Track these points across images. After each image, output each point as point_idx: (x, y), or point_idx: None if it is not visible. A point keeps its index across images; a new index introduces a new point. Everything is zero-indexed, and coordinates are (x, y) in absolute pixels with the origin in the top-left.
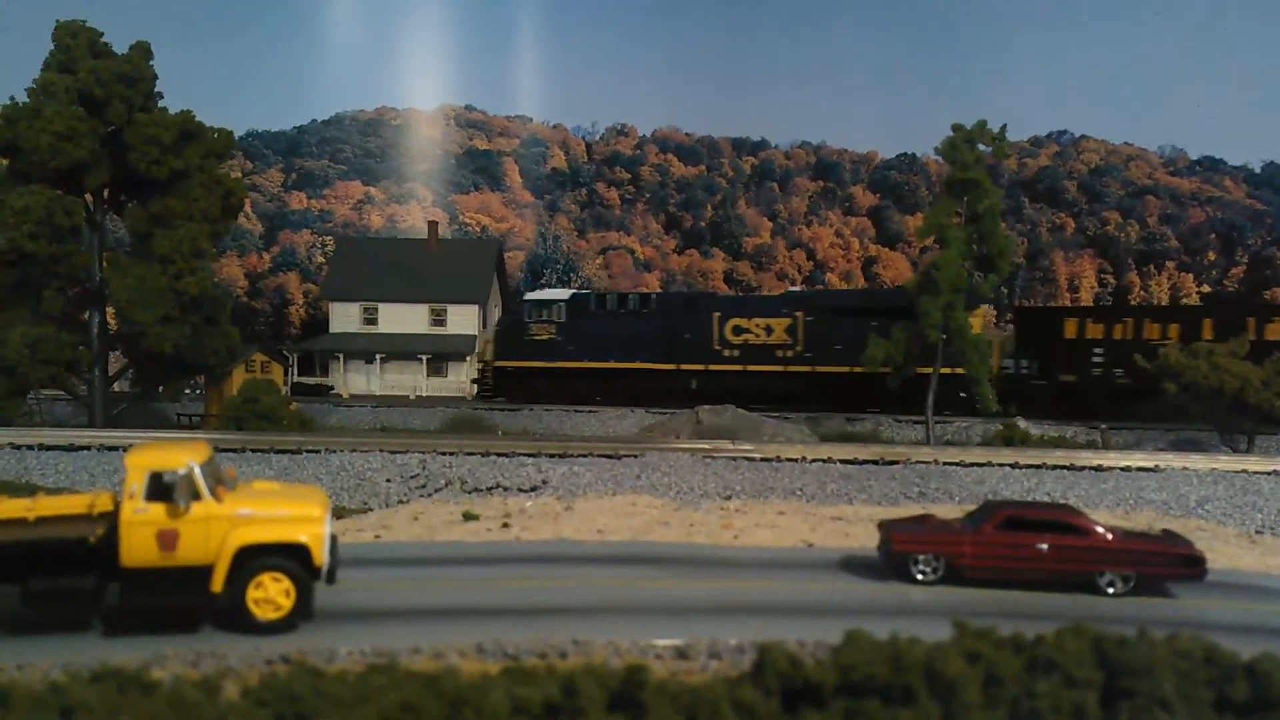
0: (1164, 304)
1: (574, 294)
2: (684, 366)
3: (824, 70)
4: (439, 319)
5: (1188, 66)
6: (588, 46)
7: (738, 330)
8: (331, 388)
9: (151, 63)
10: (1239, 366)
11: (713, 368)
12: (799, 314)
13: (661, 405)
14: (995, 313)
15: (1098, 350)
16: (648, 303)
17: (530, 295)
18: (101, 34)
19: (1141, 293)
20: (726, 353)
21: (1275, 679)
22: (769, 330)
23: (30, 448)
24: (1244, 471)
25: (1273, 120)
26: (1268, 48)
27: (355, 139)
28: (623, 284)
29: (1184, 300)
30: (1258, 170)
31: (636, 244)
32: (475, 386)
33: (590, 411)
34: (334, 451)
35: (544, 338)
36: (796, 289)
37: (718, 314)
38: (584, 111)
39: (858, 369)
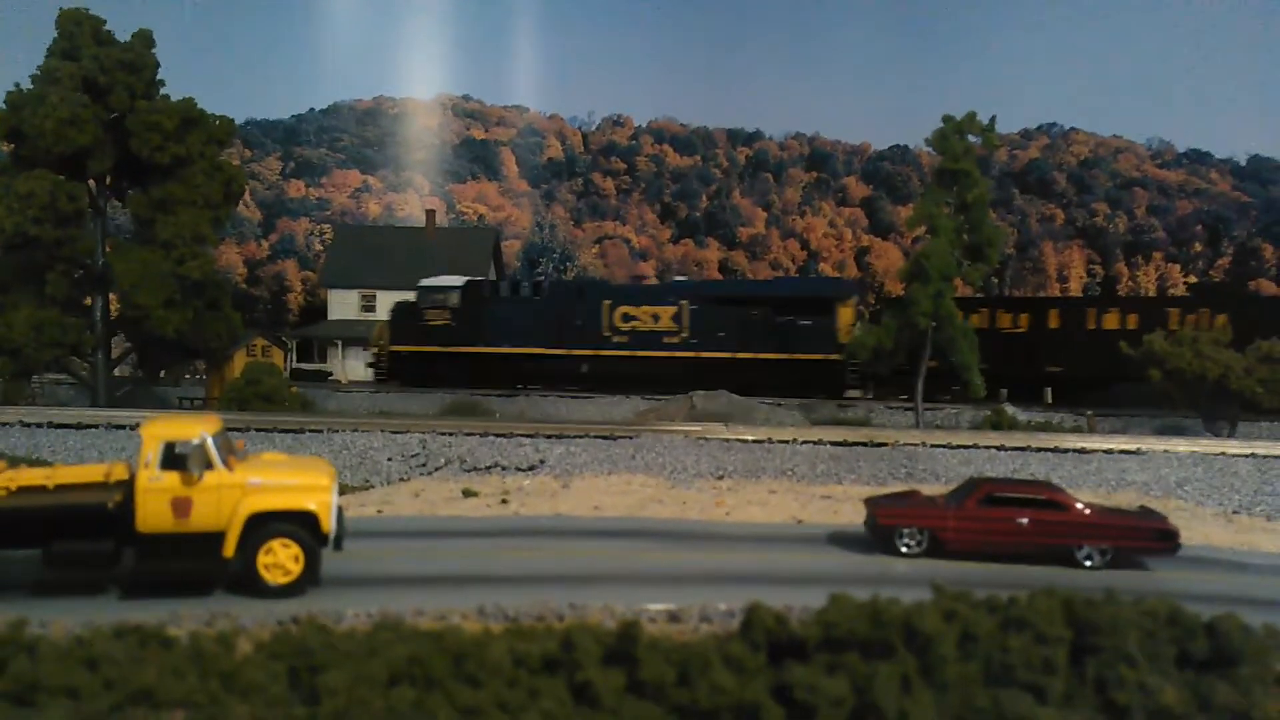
0: (1022, 295)
1: (468, 281)
2: (575, 351)
3: (818, 62)
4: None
5: (1176, 60)
6: (584, 37)
7: (626, 317)
8: (330, 374)
9: (153, 50)
10: (1222, 354)
11: (603, 353)
12: (684, 302)
13: (553, 389)
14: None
15: None
16: (540, 290)
17: (425, 282)
18: (104, 21)
19: (1130, 283)
20: (616, 339)
21: (1234, 637)
22: (656, 318)
23: (40, 425)
24: (1223, 454)
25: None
26: (1254, 42)
27: (353, 128)
28: (618, 273)
29: (1171, 290)
30: (1243, 163)
31: (632, 233)
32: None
33: (586, 398)
34: (336, 431)
35: (439, 323)
36: (682, 279)
37: (607, 302)
38: (580, 102)
39: (739, 354)
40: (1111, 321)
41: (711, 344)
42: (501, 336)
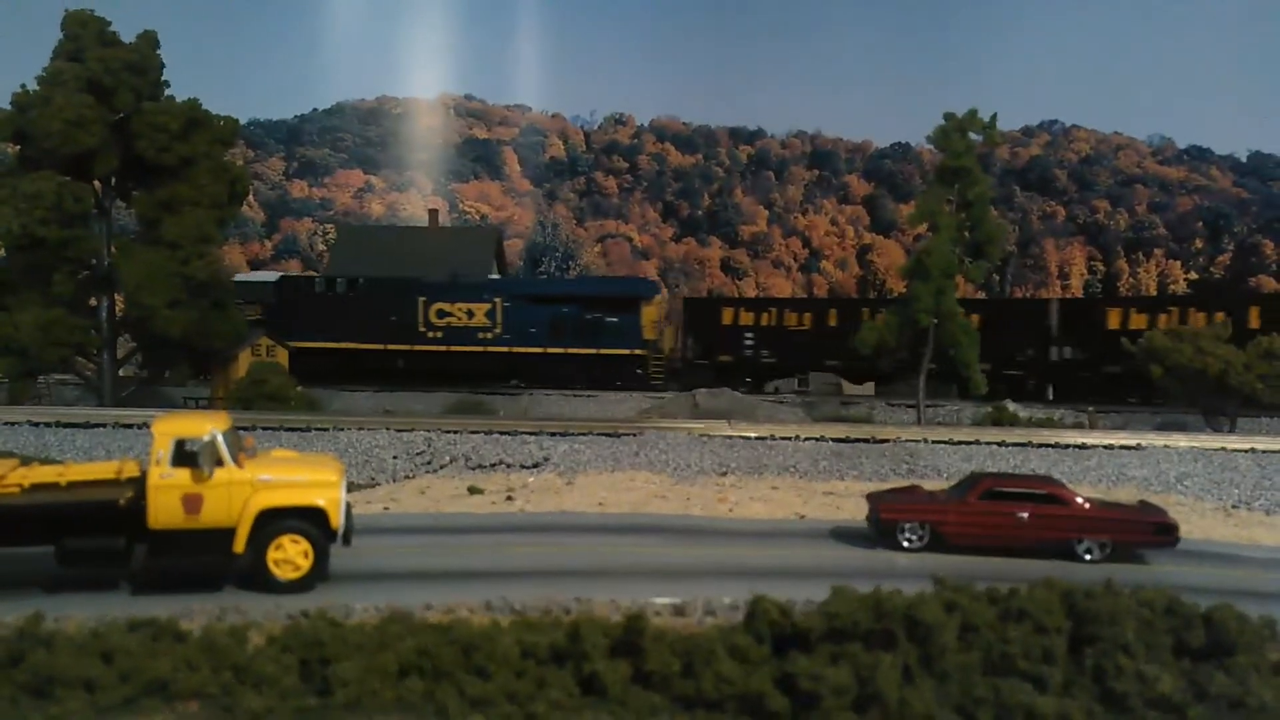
0: (802, 297)
1: (283, 276)
2: (390, 347)
3: (820, 61)
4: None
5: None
6: (586, 36)
7: (441, 314)
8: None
9: (158, 51)
10: (1222, 350)
11: (417, 348)
12: (498, 300)
13: (369, 383)
14: (666, 305)
15: (749, 335)
16: (355, 286)
17: (240, 277)
18: (109, 23)
19: (1131, 280)
20: (431, 334)
21: (1230, 626)
22: (470, 314)
23: (48, 425)
24: (1222, 449)
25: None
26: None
27: (356, 128)
28: (620, 271)
29: (1171, 287)
30: (1243, 159)
31: (634, 232)
32: None
33: (589, 396)
34: (342, 429)
35: (253, 318)
36: (496, 277)
37: (423, 298)
38: (582, 101)
39: (550, 349)
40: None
41: (524, 339)
42: (316, 331)
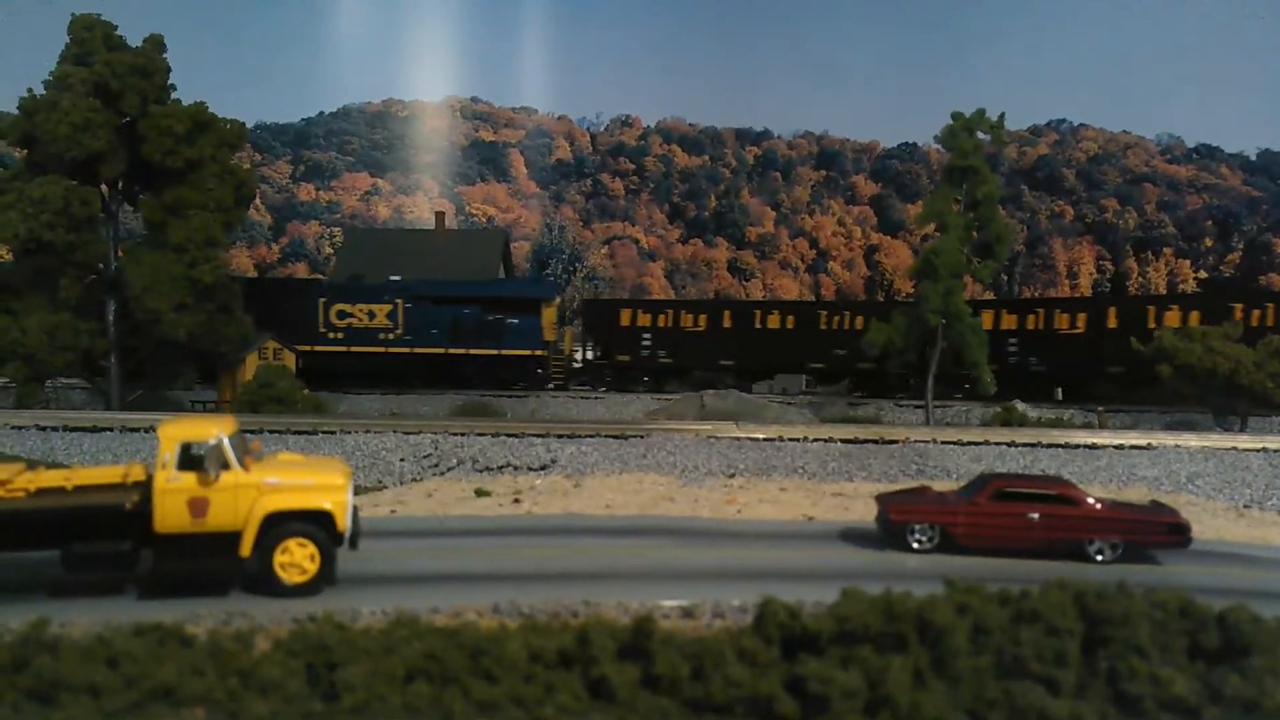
0: (697, 299)
1: None
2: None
3: (826, 61)
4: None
5: (1185, 55)
6: (592, 38)
7: (342, 314)
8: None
9: (164, 55)
10: (1232, 349)
11: (318, 349)
12: (399, 301)
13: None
14: (561, 306)
15: (646, 336)
16: (256, 287)
17: None
18: (116, 27)
19: (1140, 279)
20: (332, 335)
21: (1245, 628)
22: (371, 315)
23: (55, 429)
24: (1234, 449)
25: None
26: (1264, 36)
27: (362, 131)
28: (627, 273)
29: (1180, 286)
30: (1253, 157)
31: (641, 234)
32: None
33: (596, 398)
34: (349, 432)
35: None
36: (397, 278)
37: (323, 299)
38: (589, 103)
39: (451, 350)
40: (773, 321)
41: (425, 340)
42: None
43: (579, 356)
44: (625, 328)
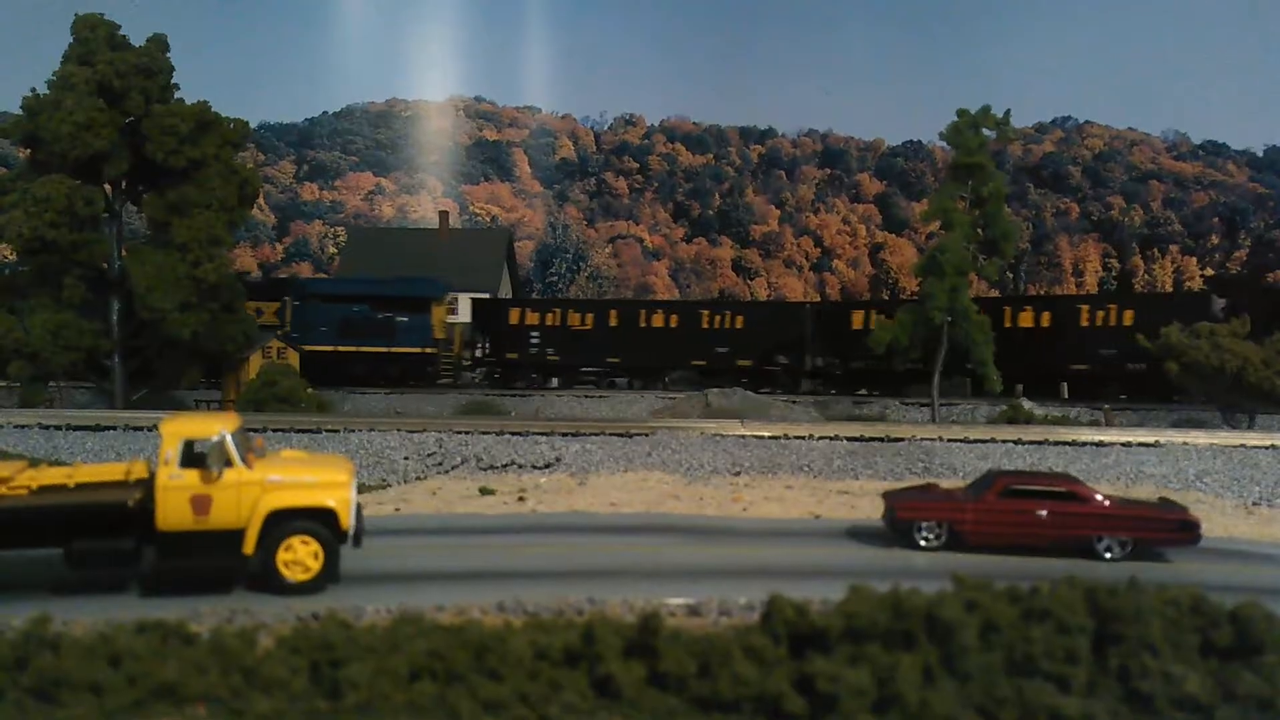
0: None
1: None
2: None
3: (830, 59)
4: (451, 308)
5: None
6: (596, 37)
7: None
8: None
9: (167, 54)
10: (1240, 346)
11: None
12: (287, 298)
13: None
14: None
15: (534, 334)
16: None
17: None
18: (119, 26)
19: (1146, 276)
20: None
21: (1258, 625)
22: (259, 313)
23: (58, 428)
24: (1242, 446)
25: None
26: (1270, 31)
27: (366, 130)
28: (632, 272)
29: (1187, 284)
30: (1260, 154)
31: (645, 233)
32: None
33: (601, 397)
34: (353, 431)
35: None
36: (284, 276)
37: None
38: (592, 102)
39: (340, 347)
40: (658, 320)
41: (314, 338)
42: None
43: (469, 355)
44: (514, 326)
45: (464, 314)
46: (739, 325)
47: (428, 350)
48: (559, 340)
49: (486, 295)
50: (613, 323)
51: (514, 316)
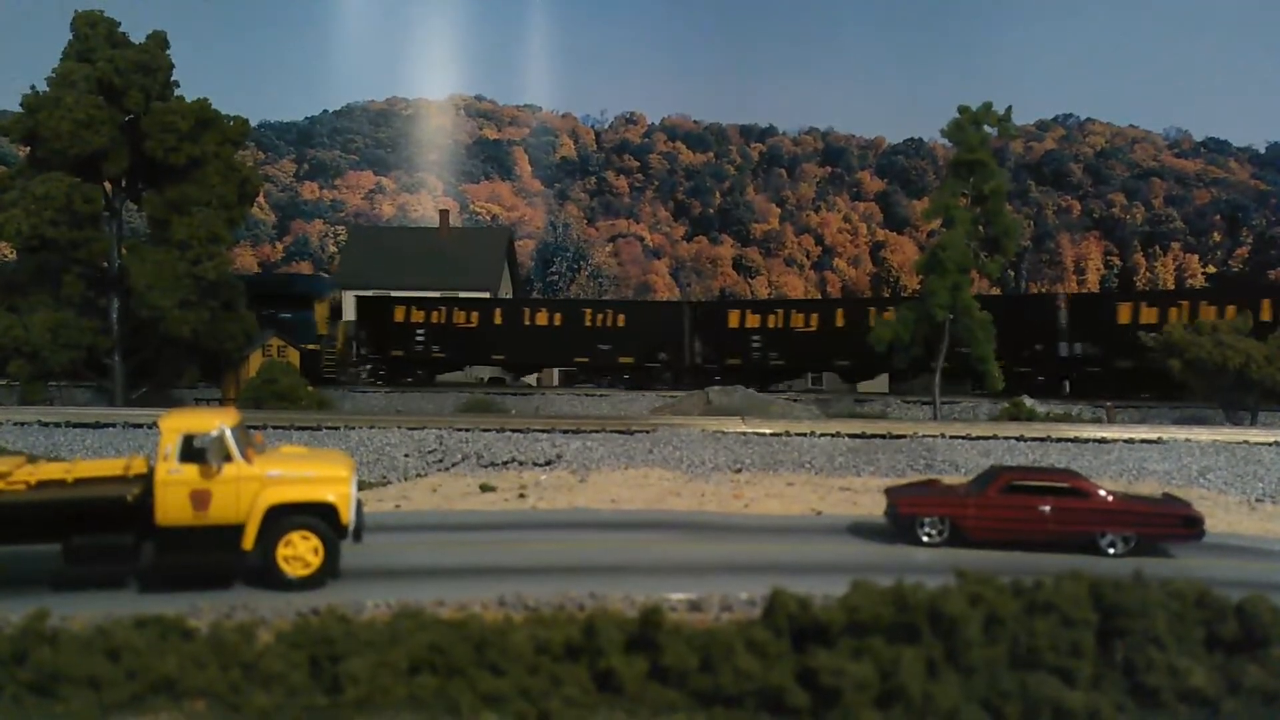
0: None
1: None
2: None
3: (831, 57)
4: (334, 305)
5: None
6: (596, 35)
7: None
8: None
9: (167, 52)
10: (1243, 343)
11: None
12: None
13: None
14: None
15: (420, 331)
16: None
17: None
18: (119, 23)
19: (1148, 274)
20: None
21: (1264, 618)
22: None
23: (58, 425)
24: (1245, 442)
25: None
26: (1272, 28)
27: (366, 129)
28: (632, 271)
29: (1189, 281)
30: (1262, 151)
31: (646, 231)
32: None
33: (601, 395)
34: (353, 428)
35: None
36: None
37: None
38: (593, 100)
39: None
40: (541, 318)
41: None
42: None
43: (354, 352)
44: (399, 324)
45: (349, 312)
46: (620, 323)
47: (310, 347)
48: (444, 337)
49: (370, 293)
50: (497, 320)
51: (399, 314)
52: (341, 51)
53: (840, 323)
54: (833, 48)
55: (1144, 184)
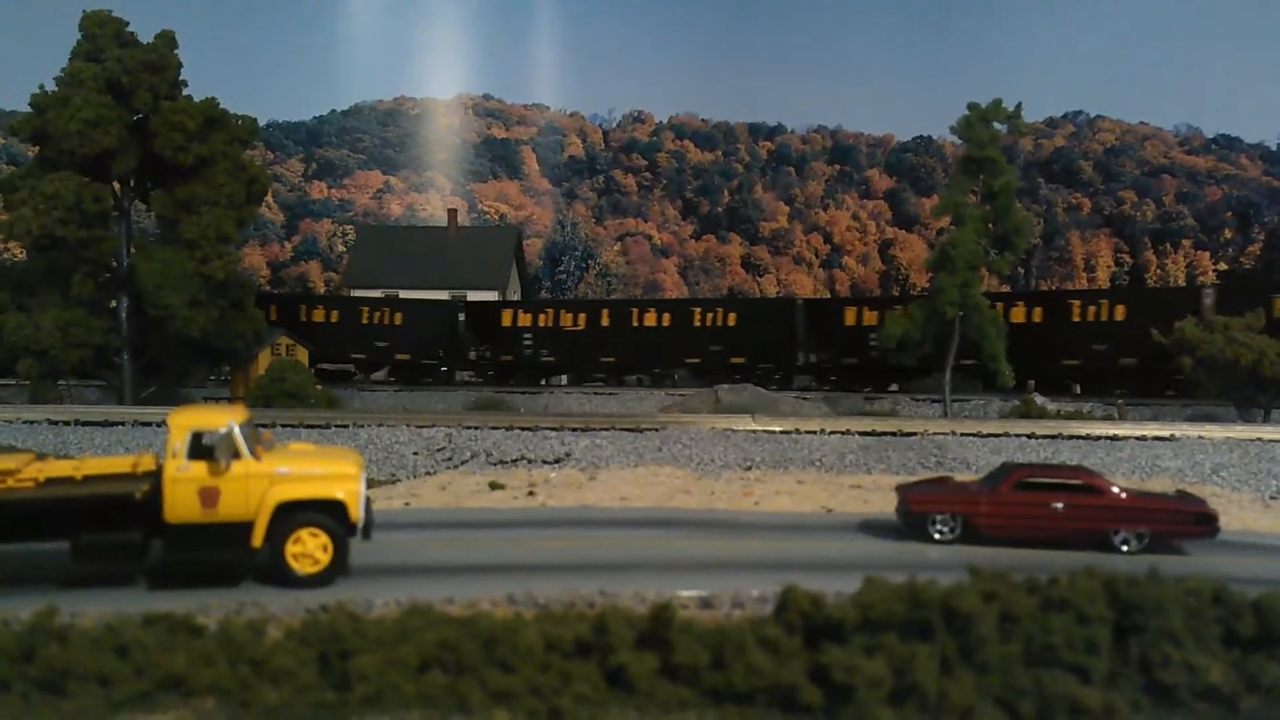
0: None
1: None
2: None
3: (839, 55)
4: None
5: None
6: (604, 34)
7: None
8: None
9: (176, 51)
10: (1255, 340)
11: None
12: None
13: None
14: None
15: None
16: None
17: None
18: (127, 23)
19: (1158, 271)
20: None
21: None
22: None
23: (67, 423)
24: (1259, 439)
25: None
26: None
27: (374, 128)
28: (640, 270)
29: (1199, 278)
30: (1273, 148)
31: (654, 230)
32: None
33: (610, 394)
34: (362, 426)
35: None
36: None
37: None
38: (601, 99)
39: None
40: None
41: None
42: None
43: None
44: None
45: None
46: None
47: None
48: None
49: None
50: (604, 323)
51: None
52: (349, 51)
53: (605, 323)
54: (841, 46)
55: (1154, 181)
